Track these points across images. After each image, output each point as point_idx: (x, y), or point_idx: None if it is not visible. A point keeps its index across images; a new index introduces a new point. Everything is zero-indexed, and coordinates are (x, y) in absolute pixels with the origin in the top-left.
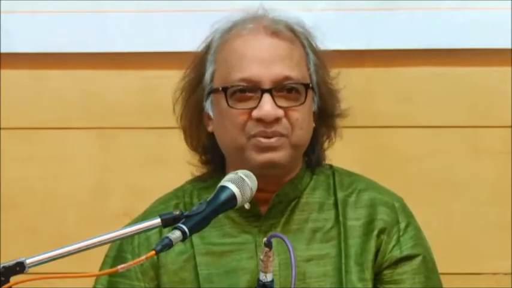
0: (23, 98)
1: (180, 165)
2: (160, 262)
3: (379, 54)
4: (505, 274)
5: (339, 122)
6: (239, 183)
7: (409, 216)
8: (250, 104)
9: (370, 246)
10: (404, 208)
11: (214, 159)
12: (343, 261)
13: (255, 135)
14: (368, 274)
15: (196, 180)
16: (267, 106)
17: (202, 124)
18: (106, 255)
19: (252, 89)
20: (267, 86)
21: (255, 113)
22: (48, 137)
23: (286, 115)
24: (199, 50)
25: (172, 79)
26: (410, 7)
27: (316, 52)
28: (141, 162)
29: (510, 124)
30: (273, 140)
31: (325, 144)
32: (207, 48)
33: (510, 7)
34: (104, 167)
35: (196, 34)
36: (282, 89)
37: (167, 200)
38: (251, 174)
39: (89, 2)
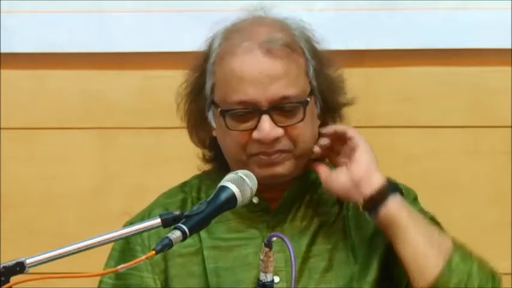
0: (23, 98)
1: (180, 165)
2: (169, 255)
3: (379, 54)
4: (505, 274)
5: (345, 109)
6: (239, 183)
7: (415, 197)
8: (250, 124)
9: (376, 238)
10: (409, 191)
11: (218, 158)
12: (349, 254)
13: (256, 154)
14: (375, 263)
15: (204, 174)
16: (266, 128)
17: (206, 126)
18: (112, 249)
19: (250, 111)
20: (264, 107)
21: (255, 135)
22: (48, 137)
23: (286, 132)
24: (201, 53)
25: (172, 79)
26: (410, 7)
27: (316, 53)
28: (141, 162)
29: (510, 124)
30: (274, 156)
31: None
32: (207, 55)
33: (510, 7)
34: (104, 167)
35: (196, 34)
36: (280, 108)
37: (173, 195)
38: (251, 174)
39: (89, 2)
